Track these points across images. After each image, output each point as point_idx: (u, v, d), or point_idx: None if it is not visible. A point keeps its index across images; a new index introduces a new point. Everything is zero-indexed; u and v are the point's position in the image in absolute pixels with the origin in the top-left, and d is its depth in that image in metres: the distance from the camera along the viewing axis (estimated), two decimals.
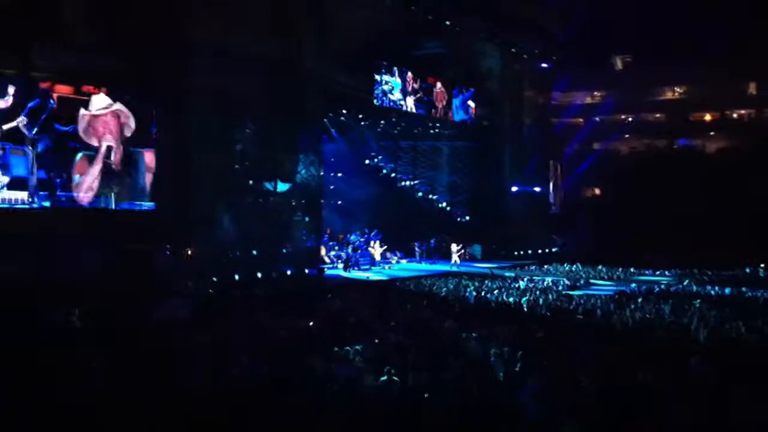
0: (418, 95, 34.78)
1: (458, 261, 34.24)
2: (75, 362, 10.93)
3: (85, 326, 14.78)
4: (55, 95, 22.08)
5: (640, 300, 20.63)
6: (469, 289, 23.08)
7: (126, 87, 22.80)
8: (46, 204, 21.36)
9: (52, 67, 21.66)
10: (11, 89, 20.75)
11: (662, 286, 25.85)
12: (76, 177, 22.03)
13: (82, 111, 22.17)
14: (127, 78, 22.34)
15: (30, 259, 18.08)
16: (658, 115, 53.07)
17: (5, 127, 21.09)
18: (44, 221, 20.86)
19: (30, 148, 21.58)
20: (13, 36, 19.99)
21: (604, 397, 9.50)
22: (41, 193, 21.28)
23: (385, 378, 9.97)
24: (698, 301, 20.16)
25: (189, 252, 23.20)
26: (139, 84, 22.71)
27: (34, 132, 21.46)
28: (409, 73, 34.08)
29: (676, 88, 52.99)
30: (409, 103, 34.22)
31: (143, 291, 18.29)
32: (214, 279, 22.99)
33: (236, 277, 23.98)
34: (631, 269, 32.42)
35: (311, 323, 15.69)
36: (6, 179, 21.03)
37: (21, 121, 21.14)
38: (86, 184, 22.18)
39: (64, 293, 16.11)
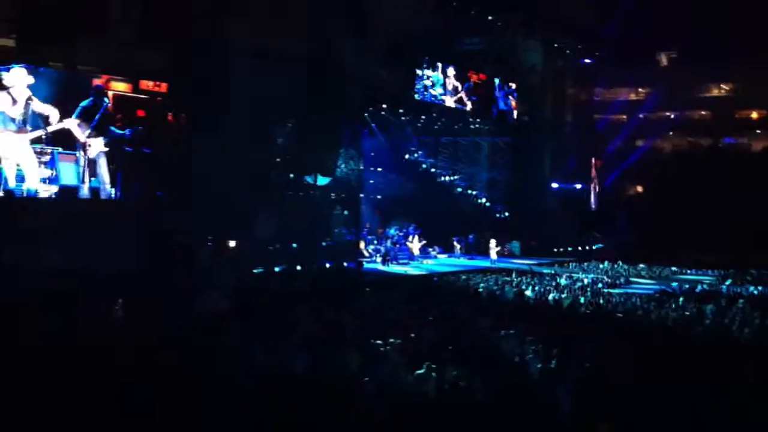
0: (461, 93, 34.71)
1: (495, 257, 34.08)
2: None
3: (129, 318, 14.98)
4: (110, 93, 20.40)
5: (681, 299, 20.41)
6: (507, 287, 23.02)
7: (181, 86, 21.72)
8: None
9: (105, 63, 20.19)
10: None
11: (704, 286, 25.49)
12: None
13: None
14: (178, 75, 21.42)
15: (71, 250, 17.41)
16: (703, 113, 52.25)
17: (51, 128, 19.20)
18: (86, 212, 19.63)
19: (82, 153, 19.66)
20: (62, 27, 18.89)
21: (640, 396, 9.48)
22: None
23: (423, 371, 10.06)
24: (741, 301, 19.86)
25: (231, 245, 23.43)
26: (187, 82, 21.89)
27: (86, 135, 19.58)
28: (451, 69, 34.02)
29: (722, 85, 52.09)
30: (451, 101, 34.23)
31: (185, 283, 18.32)
32: (255, 271, 23.22)
33: (276, 269, 24.20)
34: (673, 268, 32.01)
35: (349, 317, 15.80)
36: (54, 188, 19.26)
37: (67, 122, 19.22)
38: None
39: (107, 285, 16.08)
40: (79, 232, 18.09)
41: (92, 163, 19.93)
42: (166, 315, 14.29)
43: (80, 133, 19.66)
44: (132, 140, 20.69)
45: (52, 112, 19.26)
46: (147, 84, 21.31)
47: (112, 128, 20.43)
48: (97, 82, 20.28)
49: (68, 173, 19.91)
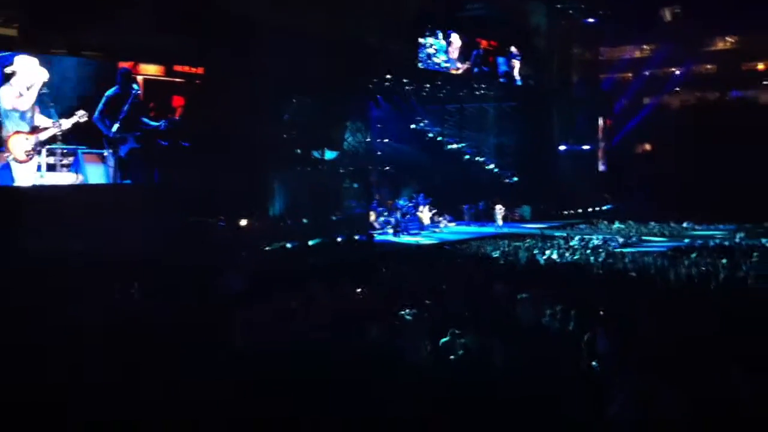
0: (468, 62, 34.57)
1: (501, 223, 34.03)
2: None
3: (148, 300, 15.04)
4: (140, 79, 17.94)
5: (694, 255, 20.40)
6: (520, 251, 23.04)
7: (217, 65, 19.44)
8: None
9: (131, 45, 17.36)
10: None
11: (716, 241, 25.48)
12: None
13: None
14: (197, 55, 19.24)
15: (90, 235, 16.88)
16: (709, 67, 51.78)
17: (66, 124, 16.80)
18: (102, 196, 18.41)
19: (110, 151, 17.64)
20: (67, 10, 16.84)
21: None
22: None
23: (447, 339, 10.14)
24: (756, 254, 19.81)
25: (242, 223, 23.48)
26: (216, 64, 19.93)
27: (114, 130, 17.50)
28: (455, 36, 33.78)
29: (727, 38, 51.55)
30: (458, 71, 34.05)
31: (201, 263, 18.18)
32: (267, 248, 23.30)
33: (288, 246, 24.26)
34: (684, 224, 31.97)
35: (365, 289, 15.84)
36: None
37: (81, 115, 16.84)
38: None
39: (126, 268, 15.99)
40: (100, 219, 17.24)
41: (123, 164, 17.75)
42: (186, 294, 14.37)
43: (106, 129, 17.57)
44: (168, 133, 18.56)
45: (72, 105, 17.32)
46: (182, 66, 18.85)
47: (145, 120, 18.38)
48: (123, 65, 17.83)
49: (96, 175, 17.86)
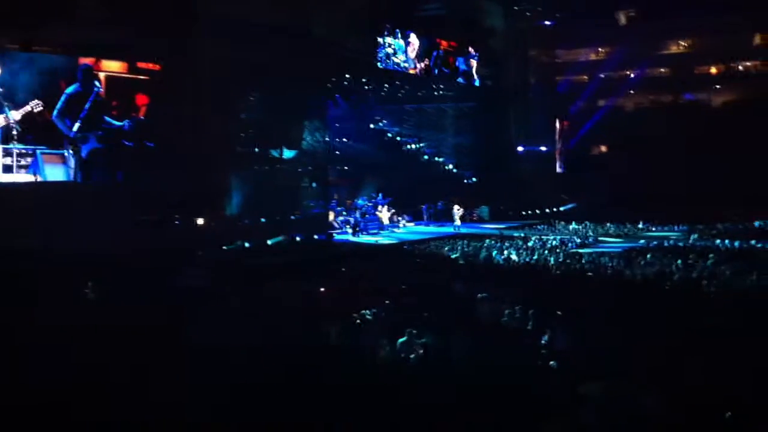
0: (426, 60, 34.56)
1: (459, 223, 34.16)
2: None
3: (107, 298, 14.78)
4: (102, 75, 17.28)
5: (649, 256, 20.68)
6: (479, 251, 23.14)
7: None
8: None
9: (88, 40, 16.64)
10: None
11: (671, 242, 25.88)
12: None
13: None
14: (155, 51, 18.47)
15: (47, 232, 16.41)
16: (663, 70, 52.57)
17: (16, 115, 15.81)
18: (58, 194, 17.91)
19: (71, 152, 17.10)
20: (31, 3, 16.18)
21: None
22: None
23: (405, 339, 10.11)
24: (712, 255, 20.13)
25: (199, 221, 23.19)
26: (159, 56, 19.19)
27: (75, 129, 16.92)
28: (413, 36, 33.80)
29: (680, 42, 52.39)
30: (416, 70, 34.03)
31: (158, 260, 17.84)
32: (225, 248, 23.05)
33: (246, 245, 24.03)
34: (640, 225, 32.42)
35: (325, 288, 15.77)
36: None
37: (35, 104, 16.15)
38: None
39: (84, 265, 15.65)
40: (56, 216, 16.79)
41: (85, 164, 17.04)
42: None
43: (67, 128, 16.97)
44: (132, 133, 17.84)
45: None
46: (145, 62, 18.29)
47: (108, 119, 17.74)
48: (85, 60, 17.16)
49: (56, 176, 17.22)
